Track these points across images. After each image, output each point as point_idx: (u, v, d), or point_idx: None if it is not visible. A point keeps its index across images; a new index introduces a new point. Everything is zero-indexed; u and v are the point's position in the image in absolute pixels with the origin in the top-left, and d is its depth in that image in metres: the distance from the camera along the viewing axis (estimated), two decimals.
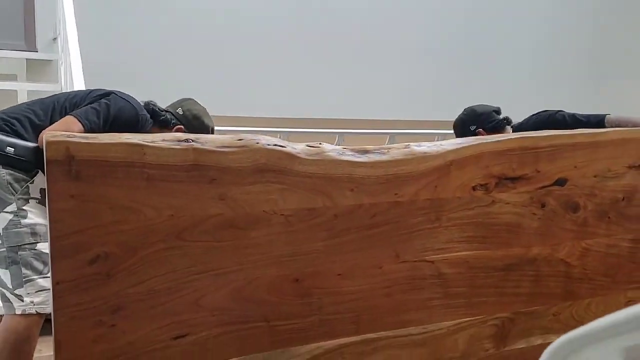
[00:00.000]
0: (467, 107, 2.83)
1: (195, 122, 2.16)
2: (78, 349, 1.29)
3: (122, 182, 1.26)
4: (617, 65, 5.48)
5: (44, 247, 1.90)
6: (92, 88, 2.06)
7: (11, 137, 1.88)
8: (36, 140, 1.88)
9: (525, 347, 1.90)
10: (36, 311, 1.88)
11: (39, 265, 1.88)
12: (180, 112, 2.16)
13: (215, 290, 1.41)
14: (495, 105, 2.80)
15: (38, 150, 1.83)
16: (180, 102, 2.21)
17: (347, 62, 4.75)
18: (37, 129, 1.89)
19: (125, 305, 1.32)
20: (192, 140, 1.33)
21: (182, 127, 2.13)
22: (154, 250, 1.33)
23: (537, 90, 5.06)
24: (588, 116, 2.51)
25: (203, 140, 1.34)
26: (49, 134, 1.21)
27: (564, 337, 0.84)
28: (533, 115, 2.73)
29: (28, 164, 1.86)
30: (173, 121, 2.14)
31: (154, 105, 2.12)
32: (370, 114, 4.65)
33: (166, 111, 2.15)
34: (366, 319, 1.62)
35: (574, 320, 1.96)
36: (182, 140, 1.32)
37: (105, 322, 1.31)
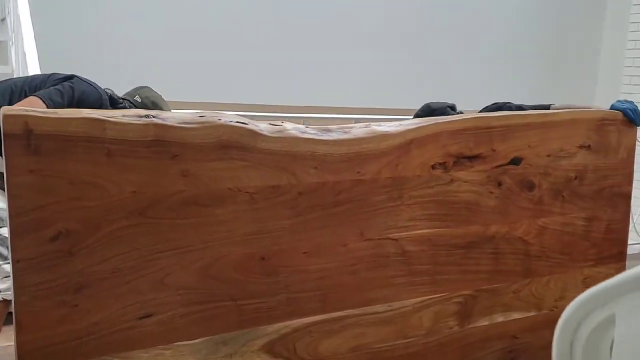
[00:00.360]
0: (425, 103, 2.91)
1: (154, 108, 2.15)
2: (40, 330, 1.26)
3: (82, 157, 1.25)
4: (575, 56, 5.65)
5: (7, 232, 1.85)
6: (50, 72, 2.03)
7: None
8: None
9: (488, 325, 1.94)
10: (2, 298, 1.83)
11: (3, 250, 1.83)
12: (139, 100, 2.14)
13: (180, 268, 1.40)
14: (451, 102, 2.88)
15: None
16: (137, 90, 2.20)
17: (313, 49, 4.75)
18: None
19: (89, 284, 1.30)
20: (153, 116, 1.33)
21: None
22: (117, 228, 1.31)
23: (499, 80, 5.17)
24: (534, 106, 2.61)
25: (164, 117, 1.34)
26: (3, 108, 1.19)
27: (589, 291, 0.83)
28: (483, 108, 2.82)
29: None
30: (132, 109, 2.11)
31: (111, 92, 2.10)
32: (335, 102, 4.65)
33: (124, 99, 2.14)
34: (332, 298, 1.64)
35: (534, 297, 2.01)
36: (142, 116, 1.32)
37: (68, 302, 1.28)
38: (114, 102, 2.07)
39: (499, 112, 1.88)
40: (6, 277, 1.81)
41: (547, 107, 2.56)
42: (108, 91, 2.08)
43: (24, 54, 2.63)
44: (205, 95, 4.30)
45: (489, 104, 2.83)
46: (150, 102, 2.16)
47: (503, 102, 2.76)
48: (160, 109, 2.17)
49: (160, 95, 2.23)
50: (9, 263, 1.81)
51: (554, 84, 5.37)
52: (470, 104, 2.82)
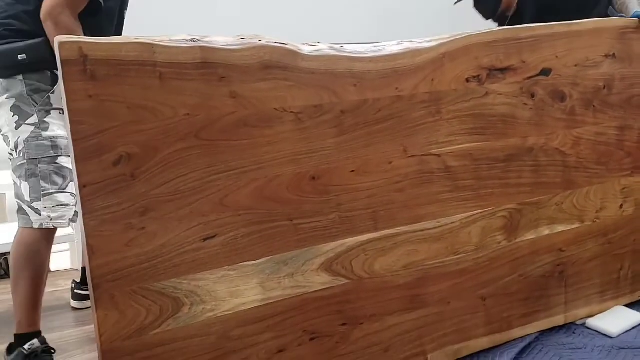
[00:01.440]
0: None
1: None
2: (111, 254, 1.30)
3: (136, 81, 1.28)
4: None
5: (65, 161, 1.89)
6: None
7: (17, 41, 1.80)
8: (36, 27, 1.79)
9: (535, 238, 1.96)
10: (53, 226, 1.86)
11: (58, 179, 1.85)
12: None
13: (237, 189, 1.43)
14: None
15: (48, 42, 1.76)
16: None
17: None
18: (34, 16, 1.79)
19: (153, 207, 1.33)
20: (198, 39, 1.36)
21: None
22: (175, 150, 1.34)
23: None
24: None
25: (208, 40, 1.37)
26: (58, 37, 1.22)
27: None
28: None
29: (47, 63, 1.79)
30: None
31: None
32: (343, 38, 4.57)
33: None
34: (383, 215, 1.66)
35: (576, 209, 2.03)
36: (188, 40, 1.35)
37: (136, 225, 1.32)
38: None
39: (525, 25, 1.89)
40: (57, 205, 1.85)
41: None
42: None
43: None
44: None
45: None
46: None
47: None
48: None
49: None
50: (62, 192, 1.85)
51: None
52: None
